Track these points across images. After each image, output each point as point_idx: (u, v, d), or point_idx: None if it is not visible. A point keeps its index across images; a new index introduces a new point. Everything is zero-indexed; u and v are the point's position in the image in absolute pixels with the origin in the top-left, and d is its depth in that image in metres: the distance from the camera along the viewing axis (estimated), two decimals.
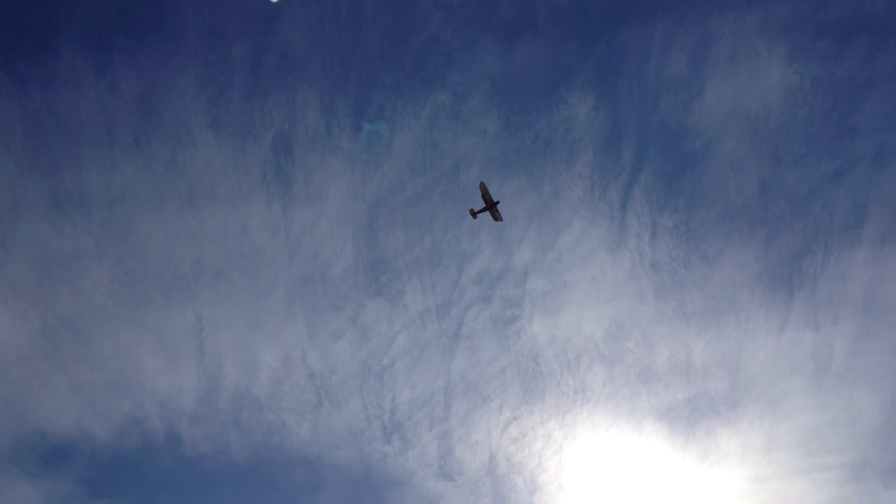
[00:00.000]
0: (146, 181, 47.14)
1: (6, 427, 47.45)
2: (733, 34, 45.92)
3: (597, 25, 47.03)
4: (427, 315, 50.52)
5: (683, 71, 46.54)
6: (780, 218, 47.86)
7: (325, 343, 50.24)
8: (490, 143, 48.76)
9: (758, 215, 48.09)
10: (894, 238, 46.92)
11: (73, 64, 44.28)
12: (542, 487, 52.14)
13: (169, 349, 49.09)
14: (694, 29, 45.94)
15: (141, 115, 46.39)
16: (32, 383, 47.90)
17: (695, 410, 50.92)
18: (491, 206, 40.31)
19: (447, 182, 48.93)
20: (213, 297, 48.85)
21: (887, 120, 45.72)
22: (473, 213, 40.98)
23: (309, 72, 47.46)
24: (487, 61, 47.41)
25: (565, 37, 47.25)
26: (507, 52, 47.15)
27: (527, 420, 51.75)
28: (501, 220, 41.09)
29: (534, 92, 48.34)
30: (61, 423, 48.51)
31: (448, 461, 51.62)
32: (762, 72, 46.28)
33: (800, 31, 45.48)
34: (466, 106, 48.16)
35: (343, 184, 48.89)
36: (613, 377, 51.17)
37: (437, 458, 51.54)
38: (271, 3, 45.70)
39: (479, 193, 40.22)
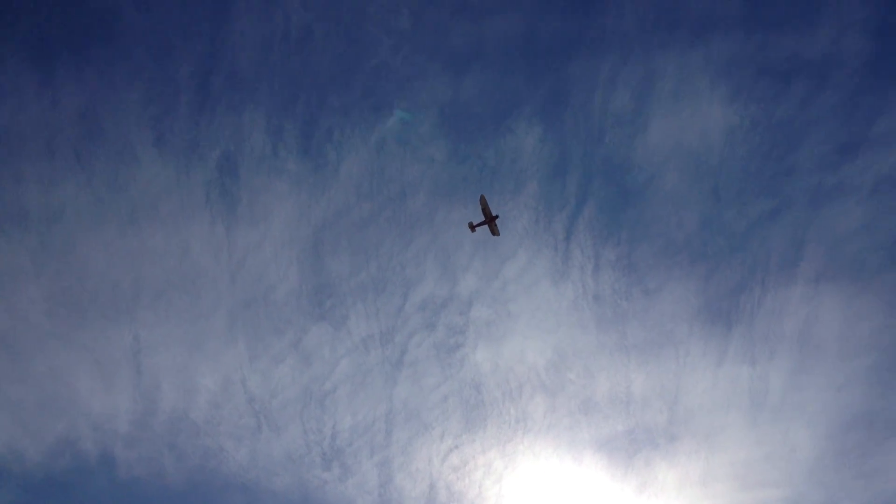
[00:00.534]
0: (87, 198, 46.52)
1: None
2: (676, 72, 46.80)
3: (545, 57, 47.61)
4: (370, 341, 50.33)
5: (628, 106, 47.30)
6: (719, 254, 48.68)
7: (265, 367, 49.77)
8: (437, 170, 49.08)
9: (697, 251, 48.88)
10: (829, 276, 47.93)
11: (15, 76, 43.72)
12: None
13: (105, 370, 48.28)
14: (639, 65, 46.72)
15: (83, 130, 45.82)
16: None
17: (634, 442, 51.36)
18: (490, 221, 40.71)
19: (394, 208, 49.05)
20: (152, 317, 48.20)
21: (824, 161, 46.75)
22: (472, 227, 41.22)
23: (257, 93, 47.35)
24: (437, 89, 47.86)
25: (514, 67, 47.77)
26: (456, 81, 47.66)
27: (468, 448, 51.72)
28: (499, 234, 41.49)
29: (482, 121, 48.78)
30: None
31: (388, 489, 51.32)
32: (704, 110, 47.17)
33: (741, 72, 46.45)
34: (414, 133, 48.50)
35: (288, 206, 48.74)
36: (555, 407, 51.41)
37: (377, 486, 51.23)
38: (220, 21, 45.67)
39: (478, 207, 40.70)
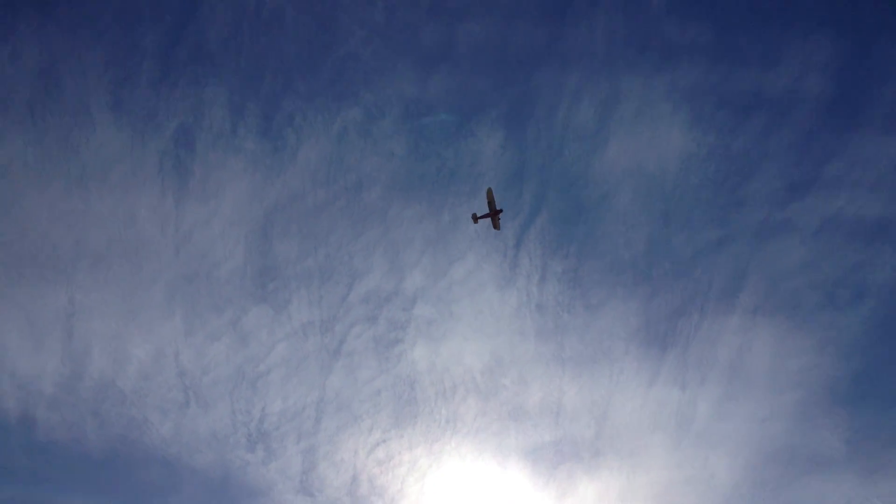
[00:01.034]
0: (36, 154, 45.82)
1: None
2: (641, 93, 47.38)
3: (514, 65, 47.88)
4: (310, 327, 50.20)
5: (591, 122, 47.85)
6: (663, 277, 49.33)
7: (200, 343, 49.42)
8: (396, 165, 49.13)
9: (642, 272, 49.52)
10: (766, 310, 48.86)
11: None
12: None
13: (35, 329, 47.51)
14: (605, 83, 47.22)
15: (40, 86, 45.27)
16: None
17: (559, 453, 51.91)
18: (494, 214, 41.74)
19: (348, 198, 48.98)
20: (90, 281, 47.60)
21: (774, 197, 47.63)
22: (475, 218, 42.61)
23: (222, 69, 46.96)
24: (403, 85, 47.85)
25: (482, 72, 47.95)
26: (423, 79, 47.70)
27: (395, 444, 51.85)
28: (499, 228, 42.62)
29: (445, 121, 49.00)
30: None
31: (310, 477, 51.22)
32: (663, 134, 47.85)
33: (703, 101, 47.17)
34: (377, 126, 48.44)
35: (242, 185, 48.41)
36: (486, 411, 51.74)
37: (300, 473, 51.08)
38: None
39: (485, 200, 41.60)
